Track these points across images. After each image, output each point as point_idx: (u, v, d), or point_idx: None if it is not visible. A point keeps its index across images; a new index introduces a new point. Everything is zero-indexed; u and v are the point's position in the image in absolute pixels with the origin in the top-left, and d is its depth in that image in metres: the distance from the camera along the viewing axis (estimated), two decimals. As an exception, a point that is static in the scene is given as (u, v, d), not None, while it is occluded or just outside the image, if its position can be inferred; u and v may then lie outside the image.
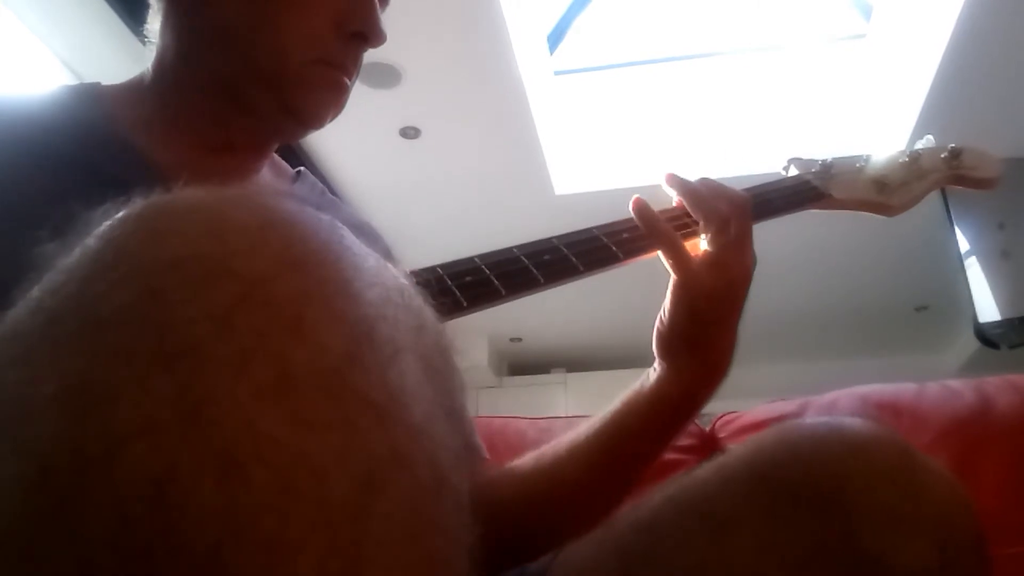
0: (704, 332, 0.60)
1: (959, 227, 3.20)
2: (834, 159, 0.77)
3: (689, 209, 0.63)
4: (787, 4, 3.53)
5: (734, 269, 0.59)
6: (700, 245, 0.62)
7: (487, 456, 0.71)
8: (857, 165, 0.78)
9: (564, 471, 0.62)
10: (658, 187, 0.66)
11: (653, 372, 0.62)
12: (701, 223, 0.61)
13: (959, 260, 3.21)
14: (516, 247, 0.57)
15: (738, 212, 0.61)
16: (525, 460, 0.65)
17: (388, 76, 2.68)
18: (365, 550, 0.23)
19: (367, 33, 0.59)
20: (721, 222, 0.60)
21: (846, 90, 3.23)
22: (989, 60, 2.62)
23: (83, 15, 2.23)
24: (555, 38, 3.31)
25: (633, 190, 0.64)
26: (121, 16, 2.18)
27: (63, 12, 2.24)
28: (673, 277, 0.60)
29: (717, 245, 0.60)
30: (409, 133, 3.03)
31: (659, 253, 0.61)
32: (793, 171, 0.77)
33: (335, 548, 0.22)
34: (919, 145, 0.81)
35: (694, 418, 0.62)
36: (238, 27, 0.57)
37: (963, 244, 3.21)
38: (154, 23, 0.61)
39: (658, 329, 0.62)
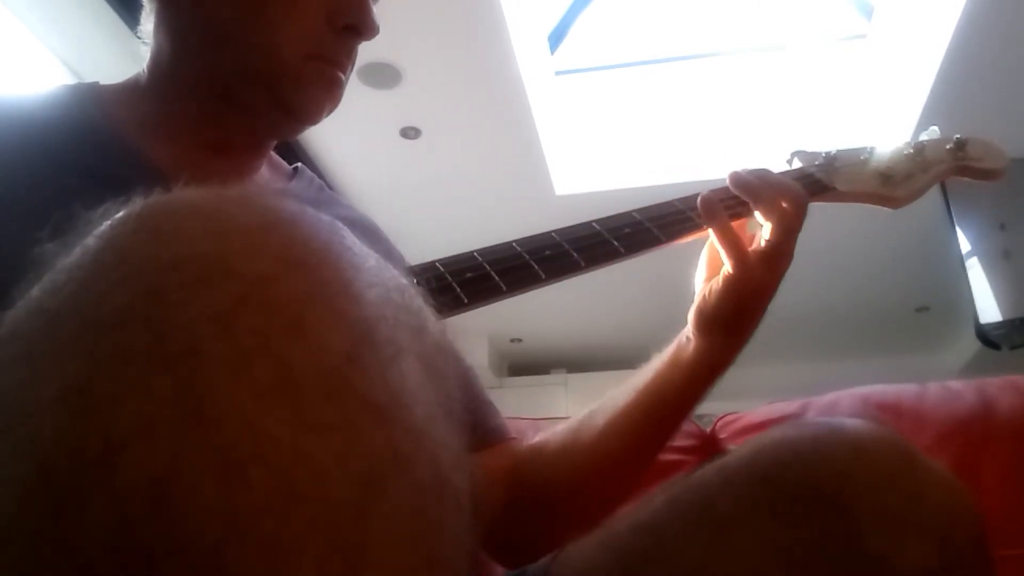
0: (745, 317, 0.63)
1: (960, 227, 3.19)
2: (838, 151, 0.77)
3: (752, 205, 0.63)
4: (788, 4, 3.53)
5: (784, 263, 0.62)
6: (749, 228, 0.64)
7: (515, 436, 0.71)
8: (861, 157, 0.77)
9: (608, 445, 0.63)
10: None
11: (685, 345, 0.64)
12: (762, 220, 0.63)
13: (960, 260, 3.21)
14: (516, 242, 0.57)
15: (799, 210, 0.62)
16: (554, 440, 0.67)
17: (388, 76, 2.68)
18: (366, 551, 0.23)
19: (359, 26, 0.59)
20: (784, 221, 0.61)
21: (847, 91, 3.23)
22: (990, 61, 2.62)
23: (83, 15, 2.23)
24: (556, 38, 3.31)
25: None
26: (121, 16, 2.17)
27: (63, 12, 2.24)
28: (727, 270, 0.61)
29: (777, 242, 0.61)
30: (409, 133, 3.03)
31: (720, 250, 0.62)
32: (797, 164, 0.77)
33: (336, 549, 0.22)
34: (924, 136, 0.80)
35: (711, 389, 0.65)
36: (230, 26, 0.57)
37: (964, 244, 3.21)
38: (147, 24, 0.61)
39: (700, 307, 0.63)
